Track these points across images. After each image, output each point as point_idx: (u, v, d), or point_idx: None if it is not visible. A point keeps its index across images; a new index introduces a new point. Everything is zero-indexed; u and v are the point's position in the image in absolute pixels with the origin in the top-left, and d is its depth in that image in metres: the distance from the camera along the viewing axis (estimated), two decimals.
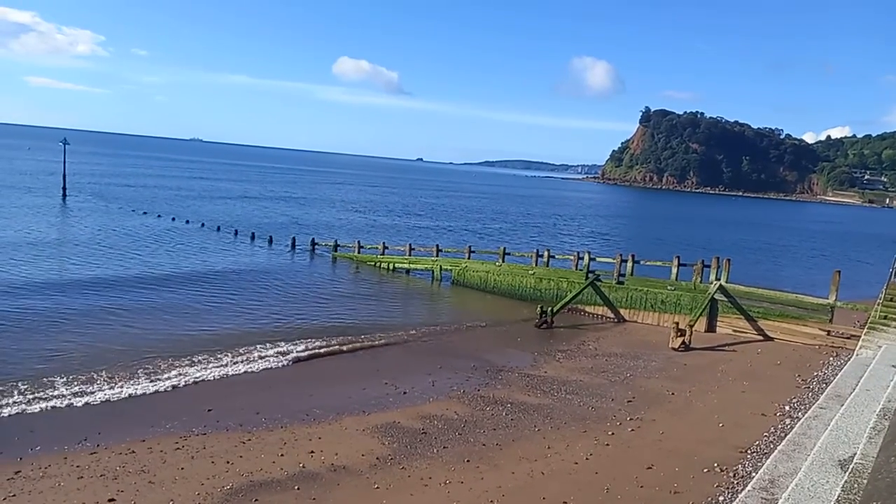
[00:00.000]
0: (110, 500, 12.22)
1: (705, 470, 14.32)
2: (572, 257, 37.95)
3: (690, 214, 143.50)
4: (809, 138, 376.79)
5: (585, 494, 13.06)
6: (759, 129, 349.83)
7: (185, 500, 12.31)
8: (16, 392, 17.50)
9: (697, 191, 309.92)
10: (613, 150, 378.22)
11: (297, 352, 23.03)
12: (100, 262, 37.24)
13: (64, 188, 71.32)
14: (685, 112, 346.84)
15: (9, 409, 16.53)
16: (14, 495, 12.34)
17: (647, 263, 36.46)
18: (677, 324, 27.10)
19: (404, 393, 19.54)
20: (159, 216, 61.28)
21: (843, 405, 15.69)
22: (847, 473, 10.46)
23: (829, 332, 27.89)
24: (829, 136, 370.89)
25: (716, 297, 30.18)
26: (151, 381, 19.08)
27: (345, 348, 24.06)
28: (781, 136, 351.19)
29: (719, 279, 30.87)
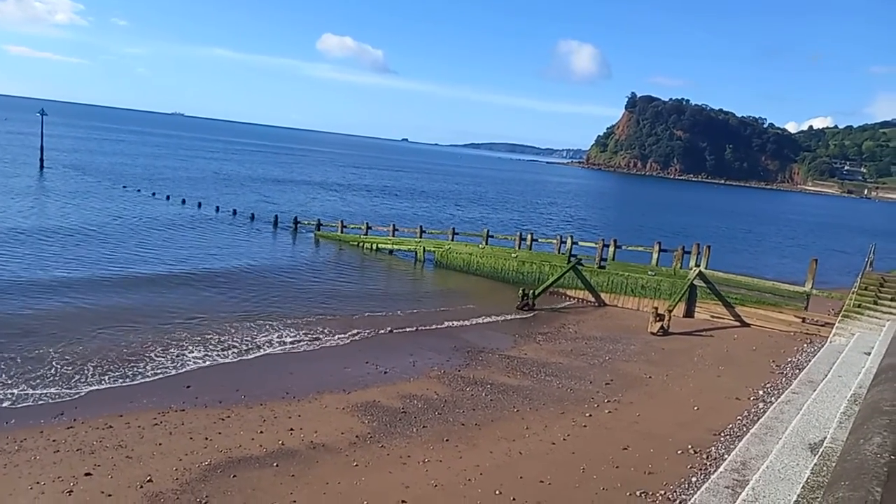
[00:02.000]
0: (87, 475, 12.16)
1: (679, 451, 14.59)
2: (555, 241, 38.08)
3: (673, 201, 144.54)
4: (792, 128, 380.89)
5: (562, 474, 13.25)
6: (742, 117, 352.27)
7: (162, 476, 12.29)
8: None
9: (681, 178, 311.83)
10: (598, 136, 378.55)
11: (278, 331, 22.95)
12: (69, 241, 36.65)
13: (41, 160, 69.96)
14: (671, 99, 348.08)
15: None
16: None
17: (629, 248, 36.70)
18: (656, 308, 27.41)
19: (385, 372, 19.60)
20: (139, 191, 60.40)
21: (815, 390, 16.01)
22: (817, 456, 10.70)
23: (804, 320, 28.39)
24: (811, 127, 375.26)
25: (695, 283, 30.53)
26: (130, 362, 18.92)
27: (326, 328, 24.01)
28: (765, 125, 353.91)
29: (699, 265, 31.20)
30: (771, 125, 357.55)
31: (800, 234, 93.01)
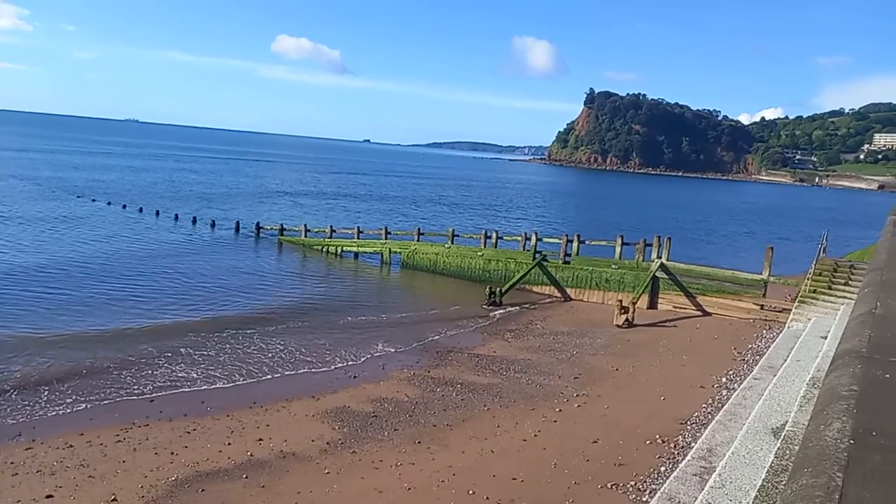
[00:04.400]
0: (48, 497, 11.77)
1: (648, 442, 14.82)
2: (520, 238, 38.37)
3: (633, 195, 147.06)
4: (745, 119, 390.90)
5: (534, 470, 13.33)
6: (698, 110, 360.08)
7: (127, 494, 11.96)
8: None
9: (640, 171, 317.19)
10: (559, 132, 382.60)
11: (242, 339, 22.55)
12: (23, 247, 35.44)
13: None
14: (628, 94, 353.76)
15: None
16: None
17: (592, 243, 37.19)
18: (621, 301, 27.82)
19: (354, 377, 19.45)
20: (94, 200, 58.69)
21: (775, 376, 16.43)
22: (780, 441, 10.98)
23: (762, 307, 29.15)
24: (763, 118, 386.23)
25: (657, 274, 31.09)
26: (91, 373, 18.37)
27: (291, 335, 23.69)
28: (719, 118, 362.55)
29: (661, 257, 31.79)
30: (725, 117, 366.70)
31: (755, 222, 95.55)
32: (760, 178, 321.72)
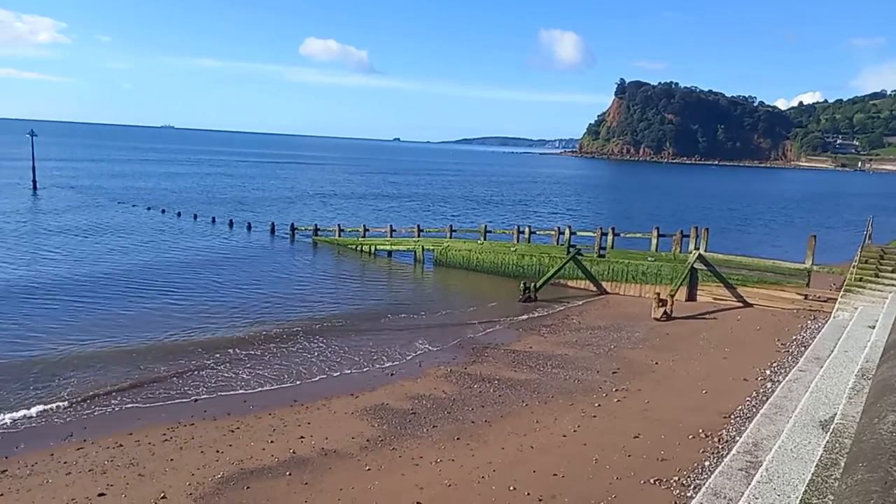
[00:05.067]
0: (100, 495, 12.14)
1: (690, 436, 14.60)
2: (553, 232, 38.07)
3: (668, 185, 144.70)
4: (782, 105, 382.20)
5: (574, 466, 13.25)
6: (732, 97, 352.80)
7: (176, 492, 12.27)
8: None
9: (674, 161, 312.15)
10: (590, 124, 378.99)
11: (279, 338, 22.91)
12: (74, 255, 36.56)
13: (34, 182, 69.78)
14: (660, 83, 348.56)
15: None
16: (2, 495, 12.19)
17: (627, 236, 36.71)
18: (658, 294, 27.41)
19: (391, 374, 19.59)
20: (134, 205, 60.27)
21: (822, 367, 16.01)
22: (829, 434, 10.70)
23: (806, 296, 28.41)
24: (801, 102, 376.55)
25: (695, 266, 30.54)
26: (140, 374, 18.89)
27: (329, 333, 23.96)
28: (755, 104, 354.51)
29: (698, 248, 31.22)
30: (761, 103, 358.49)
31: (794, 210, 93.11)
32: (800, 164, 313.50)
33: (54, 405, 16.54)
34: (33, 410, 16.16)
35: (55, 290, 28.52)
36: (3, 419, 15.63)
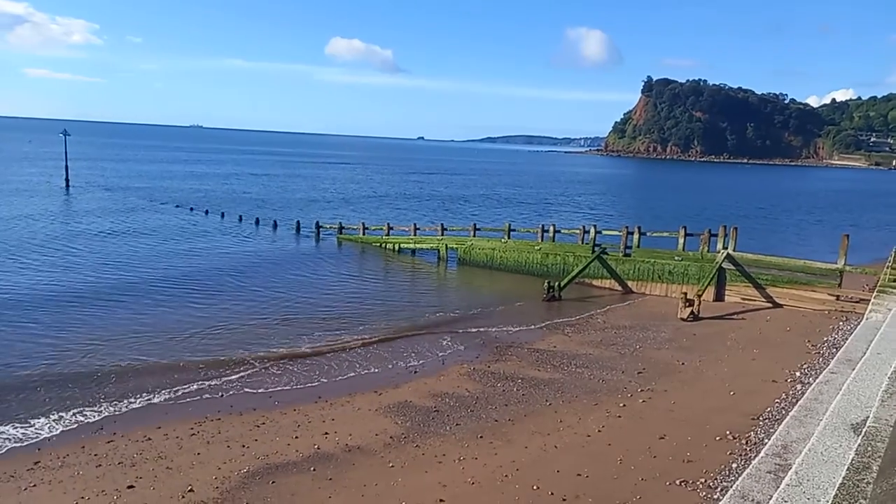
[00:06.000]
0: (129, 487, 12.37)
1: (717, 438, 14.38)
2: (578, 231, 37.80)
3: (696, 184, 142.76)
4: (814, 102, 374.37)
5: (599, 466, 13.14)
6: (763, 94, 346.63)
7: (203, 485, 12.45)
8: (34, 383, 17.67)
9: (702, 159, 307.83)
10: (616, 122, 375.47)
11: (302, 336, 23.11)
12: (106, 257, 37.30)
13: (67, 180, 71.43)
14: (688, 80, 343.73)
15: (27, 399, 16.70)
16: (35, 485, 12.50)
17: (654, 235, 36.30)
18: (685, 294, 27.04)
19: (415, 372, 19.65)
20: (163, 203, 61.35)
21: (854, 369, 15.67)
22: (860, 437, 10.47)
23: (838, 297, 27.80)
24: (833, 100, 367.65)
25: (723, 265, 30.07)
26: (168, 370, 19.22)
27: (353, 330, 24.11)
28: (786, 101, 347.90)
29: (727, 248, 30.73)
30: (792, 100, 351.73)
31: (825, 210, 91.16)
32: (832, 162, 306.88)
33: (86, 400, 16.89)
34: (68, 405, 16.53)
35: (86, 290, 29.15)
36: (40, 418, 16.01)
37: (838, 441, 10.94)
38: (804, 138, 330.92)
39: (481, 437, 14.76)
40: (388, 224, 44.60)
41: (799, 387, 17.54)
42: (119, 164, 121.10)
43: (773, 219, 75.32)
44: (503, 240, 38.61)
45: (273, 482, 12.59)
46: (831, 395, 14.19)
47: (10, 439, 14.58)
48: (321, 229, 47.48)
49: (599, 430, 15.04)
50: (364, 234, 44.76)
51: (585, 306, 29.11)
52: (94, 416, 15.92)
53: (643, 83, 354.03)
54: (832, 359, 18.86)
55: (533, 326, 25.38)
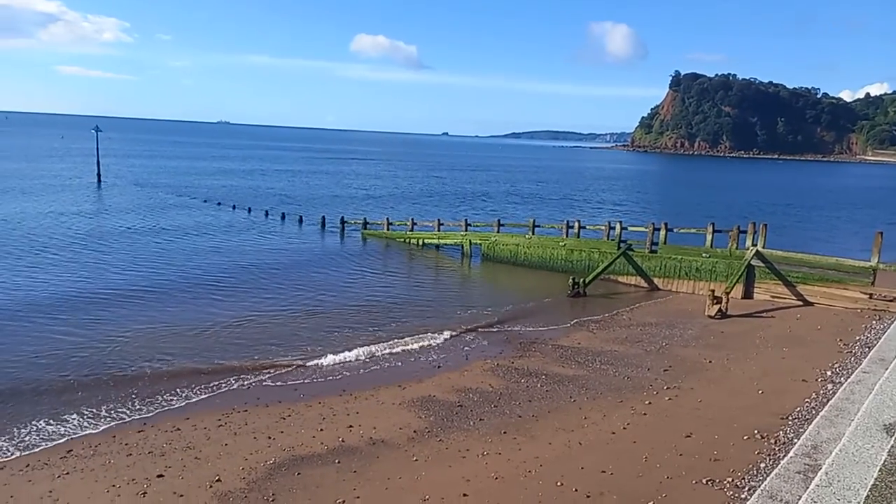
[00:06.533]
0: (159, 476, 12.62)
1: (745, 437, 14.17)
2: (603, 227, 37.49)
3: (724, 180, 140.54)
4: (847, 96, 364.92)
5: (624, 464, 13.04)
6: (794, 88, 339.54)
7: (230, 475, 12.65)
8: (66, 379, 18.11)
9: (731, 155, 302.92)
10: (642, 117, 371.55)
11: (327, 330, 23.30)
12: (129, 252, 38.00)
13: (98, 175, 72.95)
14: (717, 74, 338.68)
15: (60, 395, 17.11)
16: (68, 473, 12.82)
17: (681, 231, 35.83)
18: (713, 291, 26.66)
19: (438, 367, 19.69)
20: (192, 198, 62.29)
21: (887, 369, 15.33)
22: (893, 438, 10.25)
23: (871, 296, 27.17)
24: (867, 94, 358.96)
25: (752, 262, 29.57)
26: (197, 363, 19.55)
27: (378, 324, 24.23)
28: (818, 96, 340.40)
29: (756, 245, 30.22)
30: (825, 95, 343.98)
31: (858, 206, 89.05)
32: (866, 158, 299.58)
33: (118, 396, 17.23)
34: (101, 400, 16.90)
35: (115, 289, 29.75)
36: (72, 413, 16.40)
37: (870, 442, 10.72)
38: (837, 133, 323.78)
39: (505, 432, 14.75)
40: (413, 219, 44.72)
41: (830, 386, 17.19)
42: (149, 160, 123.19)
43: (803, 216, 73.80)
44: (527, 235, 38.46)
45: (298, 474, 12.74)
46: (863, 395, 13.90)
47: (42, 432, 14.89)
48: (346, 224, 47.81)
49: (624, 428, 14.92)
50: (388, 229, 44.95)
51: (611, 303, 28.87)
52: (125, 411, 16.17)
53: (671, 77, 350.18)
54: (864, 358, 18.46)
55: (557, 323, 25.25)
